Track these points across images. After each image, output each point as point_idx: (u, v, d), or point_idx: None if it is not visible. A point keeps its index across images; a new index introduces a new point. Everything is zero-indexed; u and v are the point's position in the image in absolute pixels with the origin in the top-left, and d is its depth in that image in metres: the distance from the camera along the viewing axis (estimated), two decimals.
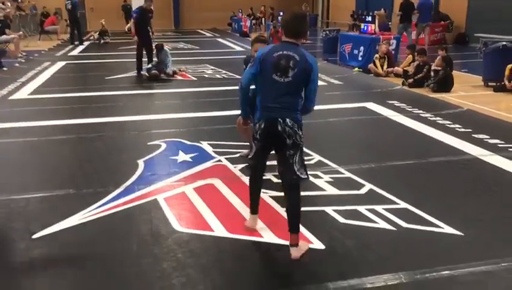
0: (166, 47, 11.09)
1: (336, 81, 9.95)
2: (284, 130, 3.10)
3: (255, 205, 3.52)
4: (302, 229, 3.51)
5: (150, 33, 11.03)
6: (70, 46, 17.17)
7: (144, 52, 10.90)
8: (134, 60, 11.00)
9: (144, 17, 10.77)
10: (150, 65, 10.50)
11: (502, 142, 5.61)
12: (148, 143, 5.65)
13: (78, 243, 3.42)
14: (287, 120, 3.10)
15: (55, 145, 5.66)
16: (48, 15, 21.48)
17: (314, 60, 3.22)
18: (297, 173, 3.13)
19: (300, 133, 3.15)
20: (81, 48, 16.98)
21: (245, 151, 4.59)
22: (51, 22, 20.59)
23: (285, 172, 3.17)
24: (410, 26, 13.85)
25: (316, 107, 7.61)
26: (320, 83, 9.87)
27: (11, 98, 8.39)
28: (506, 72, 8.63)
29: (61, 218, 3.71)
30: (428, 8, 14.54)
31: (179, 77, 10.66)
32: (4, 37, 13.96)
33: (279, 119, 3.11)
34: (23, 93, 8.75)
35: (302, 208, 3.77)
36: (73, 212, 3.80)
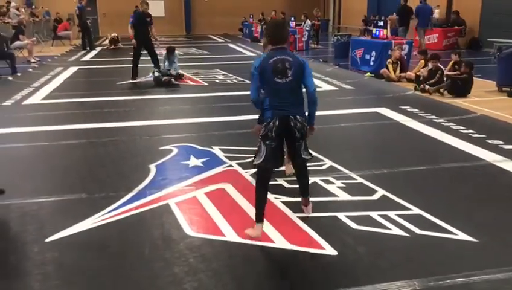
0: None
1: (348, 86, 9.92)
2: (296, 126, 3.51)
3: (261, 211, 3.50)
4: (314, 234, 3.51)
5: (152, 38, 10.85)
6: (83, 52, 17.34)
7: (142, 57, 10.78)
8: (146, 65, 11.04)
9: (141, 21, 10.56)
10: (156, 73, 10.37)
11: None
12: (160, 148, 5.67)
13: (90, 247, 3.43)
14: (298, 117, 3.52)
15: (68, 149, 5.70)
16: (60, 21, 21.73)
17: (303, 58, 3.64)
18: (303, 156, 3.65)
19: (305, 124, 3.61)
20: (93, 53, 17.14)
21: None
22: (64, 27, 20.84)
23: (295, 155, 3.70)
24: (408, 30, 13.90)
25: (328, 112, 7.65)
26: (331, 88, 9.95)
27: (24, 102, 8.48)
28: None
29: (73, 222, 3.73)
30: (428, 13, 14.50)
31: (190, 82, 10.70)
32: (18, 42, 14.15)
33: (291, 116, 3.50)
34: (37, 98, 8.84)
35: (314, 214, 3.83)
36: (85, 217, 3.82)
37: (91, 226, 3.70)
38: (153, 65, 10.66)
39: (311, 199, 3.89)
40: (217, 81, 10.90)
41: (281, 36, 3.58)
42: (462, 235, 3.47)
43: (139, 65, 10.81)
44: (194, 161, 5.19)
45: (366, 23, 19.21)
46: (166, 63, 10.74)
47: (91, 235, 3.57)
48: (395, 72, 10.56)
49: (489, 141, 5.81)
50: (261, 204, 3.51)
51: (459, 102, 8.18)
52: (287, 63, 3.47)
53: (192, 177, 4.72)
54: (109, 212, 3.93)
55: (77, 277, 3.06)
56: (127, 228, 3.70)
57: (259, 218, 3.49)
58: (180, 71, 10.93)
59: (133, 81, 10.62)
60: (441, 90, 8.79)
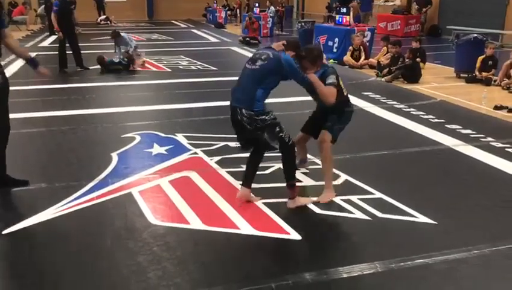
0: (123, 34, 10.43)
1: None
2: (242, 119, 3.56)
3: (246, 177, 3.79)
4: (278, 219, 3.53)
5: (75, 29, 10.04)
6: (41, 37, 16.73)
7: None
8: (107, 51, 10.75)
9: (66, 10, 9.65)
10: (78, 68, 9.83)
11: (474, 132, 5.72)
12: (122, 136, 5.56)
13: (50, 238, 3.34)
14: (243, 110, 3.54)
15: (26, 138, 5.51)
16: (16, 4, 20.88)
17: (288, 57, 3.68)
18: (271, 145, 3.68)
19: (263, 117, 3.57)
20: (52, 38, 16.57)
21: None
22: (19, 12, 20.03)
23: (259, 147, 3.79)
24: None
25: (291, 99, 7.67)
26: None
27: None
28: (477, 64, 8.81)
29: (33, 213, 3.62)
30: None
31: (153, 68, 10.51)
32: None
33: (237, 109, 3.56)
34: None
35: (279, 199, 3.84)
36: (45, 207, 3.71)
37: (51, 216, 3.60)
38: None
39: (275, 184, 3.90)
40: (181, 67, 10.75)
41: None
42: (422, 218, 3.57)
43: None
44: (157, 149, 5.12)
45: (329, 10, 19.33)
46: (117, 50, 10.26)
47: (51, 226, 3.48)
48: (358, 59, 10.69)
49: (448, 126, 5.98)
50: (247, 168, 3.87)
51: (419, 88, 8.37)
52: (264, 56, 3.59)
53: (156, 165, 4.65)
54: (70, 202, 3.83)
55: (36, 269, 2.97)
56: (89, 218, 3.62)
57: (244, 182, 3.84)
58: (140, 56, 10.63)
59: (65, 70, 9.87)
60: (397, 77, 8.97)
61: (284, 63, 3.57)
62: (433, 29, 17.07)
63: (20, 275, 2.92)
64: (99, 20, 22.70)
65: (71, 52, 10.01)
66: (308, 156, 4.88)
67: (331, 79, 3.83)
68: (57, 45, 10.02)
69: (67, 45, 9.87)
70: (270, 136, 3.63)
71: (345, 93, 4.12)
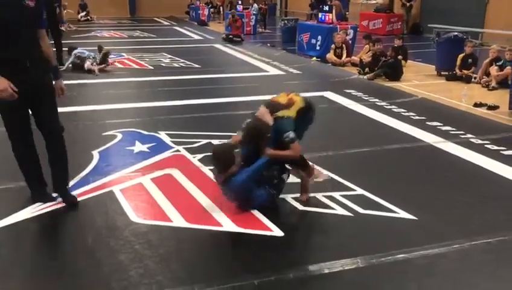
0: (78, 50, 9.87)
1: (295, 71, 10.00)
2: None
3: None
4: (261, 216, 3.53)
5: (60, 25, 9.90)
6: None
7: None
8: (92, 48, 10.59)
9: (48, 7, 9.23)
10: (63, 66, 9.45)
11: (454, 129, 5.80)
12: (103, 133, 5.50)
13: (29, 238, 3.29)
14: None
15: (5, 136, 5.40)
16: None
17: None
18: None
19: None
20: None
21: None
22: None
23: None
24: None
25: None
26: (278, 72, 10.01)
27: None
28: (458, 62, 8.93)
29: (12, 211, 3.56)
30: None
31: (135, 66, 10.42)
32: None
33: None
34: None
35: None
36: (24, 206, 3.65)
37: (31, 215, 3.54)
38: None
39: None
40: (163, 64, 10.67)
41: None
42: (403, 214, 3.61)
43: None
44: (139, 147, 5.08)
45: (312, 8, 19.39)
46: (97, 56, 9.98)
47: (31, 225, 3.42)
48: (340, 56, 10.74)
49: (429, 123, 6.05)
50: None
51: (400, 86, 8.46)
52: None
53: (138, 163, 4.62)
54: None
55: (15, 270, 2.93)
56: (69, 217, 3.57)
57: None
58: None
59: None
60: (380, 75, 9.05)
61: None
62: (415, 27, 17.25)
63: (0, 275, 2.88)
64: (79, 17, 22.40)
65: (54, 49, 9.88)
66: None
67: (291, 135, 3.56)
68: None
69: (51, 42, 9.71)
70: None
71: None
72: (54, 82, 3.62)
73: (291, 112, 3.68)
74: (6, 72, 3.16)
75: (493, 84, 8.16)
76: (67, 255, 3.08)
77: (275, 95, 3.97)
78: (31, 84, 3.35)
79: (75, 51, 9.74)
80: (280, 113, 3.64)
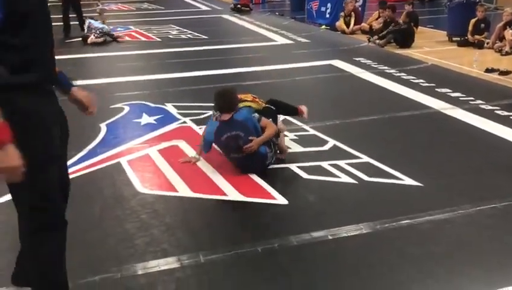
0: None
1: (303, 40, 9.86)
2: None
3: None
4: (265, 185, 3.55)
5: None
6: None
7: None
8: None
9: None
10: (85, 30, 9.81)
11: (464, 95, 5.71)
12: (111, 106, 5.52)
13: None
14: None
15: None
16: None
17: (246, 116, 3.77)
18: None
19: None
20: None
21: None
22: None
23: None
24: None
25: (283, 66, 7.63)
26: (287, 41, 9.90)
27: None
28: (470, 27, 8.72)
29: None
30: None
31: (142, 38, 10.36)
32: None
33: None
34: None
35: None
36: None
37: None
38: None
39: None
40: (171, 36, 10.59)
41: (220, 106, 3.76)
42: (408, 181, 3.60)
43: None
44: (146, 119, 5.10)
45: None
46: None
47: None
48: (349, 24, 10.55)
49: (438, 90, 5.96)
50: None
51: (411, 52, 8.31)
52: (239, 140, 3.65)
53: (145, 134, 4.64)
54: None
55: None
56: (77, 188, 3.59)
57: None
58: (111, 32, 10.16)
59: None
60: (390, 42, 8.89)
61: (249, 122, 3.76)
62: None
63: (7, 248, 2.94)
64: None
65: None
66: (297, 122, 4.88)
67: (256, 116, 3.83)
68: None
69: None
70: None
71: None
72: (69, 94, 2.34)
73: (249, 104, 4.02)
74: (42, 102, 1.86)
75: (507, 48, 7.96)
76: (75, 225, 3.12)
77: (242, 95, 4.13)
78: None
79: (88, 22, 9.79)
80: (240, 105, 3.92)
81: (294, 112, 4.41)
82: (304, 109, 4.37)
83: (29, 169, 1.69)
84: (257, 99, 4.16)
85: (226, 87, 4.16)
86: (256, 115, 3.83)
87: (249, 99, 4.11)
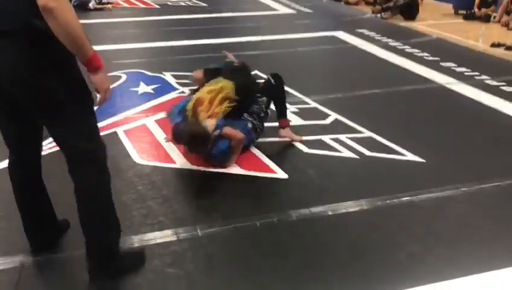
0: None
1: (306, 9, 9.65)
2: None
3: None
4: (265, 159, 3.48)
5: None
6: None
7: None
8: None
9: None
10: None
11: (469, 70, 5.59)
12: (108, 74, 5.38)
13: None
14: None
15: None
16: None
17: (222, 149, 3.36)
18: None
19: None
20: None
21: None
22: None
23: None
24: None
25: (284, 36, 7.48)
26: (289, 11, 9.68)
27: None
28: (476, 0, 8.51)
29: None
30: None
31: (141, 5, 10.12)
32: None
33: None
34: None
35: (267, 139, 3.78)
36: None
37: None
38: None
39: (265, 124, 3.83)
40: (169, 3, 10.36)
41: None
42: (410, 156, 3.53)
43: None
44: (143, 88, 4.99)
45: None
46: None
47: None
48: None
49: (443, 64, 5.84)
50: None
51: (416, 25, 8.13)
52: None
53: (142, 104, 4.54)
54: (52, 142, 3.74)
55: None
56: None
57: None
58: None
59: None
60: (395, 14, 8.69)
61: None
62: None
63: (6, 214, 2.89)
64: None
65: None
66: (298, 94, 4.78)
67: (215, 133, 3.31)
68: None
69: None
70: None
71: None
72: None
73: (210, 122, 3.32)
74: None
75: None
76: (68, 196, 3.06)
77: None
78: None
79: None
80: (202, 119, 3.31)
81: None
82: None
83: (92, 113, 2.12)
84: (214, 103, 3.40)
85: (197, 132, 3.24)
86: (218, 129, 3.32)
87: (204, 115, 3.34)
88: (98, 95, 2.10)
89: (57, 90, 1.97)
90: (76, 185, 2.17)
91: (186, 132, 3.21)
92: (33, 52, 1.90)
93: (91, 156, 2.13)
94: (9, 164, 2.33)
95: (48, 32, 1.85)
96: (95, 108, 2.17)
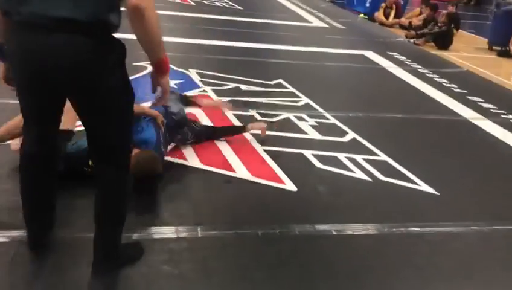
0: None
1: (339, 25, 9.61)
2: None
3: None
4: (276, 168, 3.44)
5: None
6: None
7: None
8: None
9: None
10: None
11: (496, 107, 5.48)
12: (134, 63, 5.41)
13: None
14: None
15: None
16: None
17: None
18: None
19: None
20: None
21: None
22: None
23: None
24: None
25: (313, 49, 7.45)
26: (322, 24, 9.66)
27: None
28: None
29: None
30: None
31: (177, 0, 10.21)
32: None
33: None
34: None
35: (280, 149, 3.74)
36: None
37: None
38: None
39: (280, 133, 3.80)
40: (205, 2, 10.43)
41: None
42: (424, 187, 3.45)
43: None
44: None
45: None
46: None
47: None
48: (388, 17, 10.25)
49: (470, 98, 5.73)
50: None
51: (448, 55, 8.03)
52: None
53: None
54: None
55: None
56: None
57: None
58: None
59: None
60: (428, 41, 8.60)
61: None
62: None
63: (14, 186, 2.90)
64: None
65: None
66: (319, 108, 4.74)
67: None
68: None
69: None
70: None
71: None
72: None
73: None
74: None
75: None
76: (76, 186, 3.07)
77: None
78: None
79: None
80: None
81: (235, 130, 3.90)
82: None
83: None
84: None
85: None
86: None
87: None
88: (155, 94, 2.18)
89: (116, 84, 1.99)
90: (100, 179, 2.13)
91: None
92: (100, 44, 1.88)
93: (122, 152, 2.13)
94: (26, 144, 2.16)
95: (115, 29, 1.91)
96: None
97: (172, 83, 4.96)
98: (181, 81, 5.07)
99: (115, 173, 2.10)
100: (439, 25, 8.76)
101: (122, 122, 2.08)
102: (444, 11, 9.39)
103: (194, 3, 10.04)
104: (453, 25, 9.11)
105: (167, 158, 3.37)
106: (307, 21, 9.76)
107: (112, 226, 2.18)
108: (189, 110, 4.17)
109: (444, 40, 8.48)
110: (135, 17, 1.82)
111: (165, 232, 2.59)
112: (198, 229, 2.65)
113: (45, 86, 1.93)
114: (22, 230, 2.36)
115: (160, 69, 2.06)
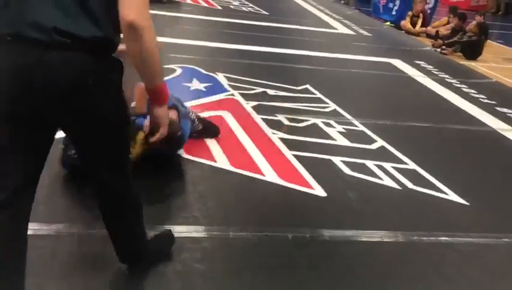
0: None
1: (365, 33, 9.59)
2: None
3: None
4: (305, 173, 3.46)
5: None
6: None
7: None
8: None
9: None
10: None
11: None
12: (164, 66, 5.51)
13: None
14: None
15: None
16: None
17: None
18: None
19: None
20: None
21: None
22: None
23: None
24: None
25: (340, 56, 7.44)
26: (348, 31, 9.66)
27: None
28: None
29: None
30: None
31: (203, 3, 10.32)
32: None
33: None
34: None
35: (309, 154, 3.76)
36: None
37: None
38: None
39: (308, 139, 3.81)
40: (232, 7, 10.52)
41: None
42: (453, 196, 3.43)
43: None
44: (196, 84, 5.07)
45: None
46: None
47: None
48: (415, 25, 10.19)
49: (499, 109, 5.67)
50: None
51: (475, 65, 7.94)
52: None
53: (192, 100, 4.61)
54: None
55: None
56: None
57: None
58: None
59: None
60: (456, 51, 8.53)
61: None
62: (505, 6, 16.01)
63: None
64: None
65: None
66: (347, 115, 4.74)
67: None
68: None
69: None
70: None
71: None
72: None
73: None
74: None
75: None
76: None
77: None
78: None
79: None
80: None
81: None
82: None
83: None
84: None
85: None
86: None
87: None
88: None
89: (116, 107, 1.74)
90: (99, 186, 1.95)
91: None
92: (101, 64, 1.63)
93: (122, 170, 1.92)
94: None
95: (115, 49, 1.70)
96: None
97: (202, 86, 5.03)
98: (210, 84, 5.13)
99: (113, 178, 1.90)
100: (468, 34, 8.67)
101: (120, 144, 1.86)
102: (473, 21, 9.27)
103: (220, 8, 10.14)
104: (482, 35, 9.02)
105: (193, 158, 3.42)
106: (332, 27, 9.77)
107: (127, 221, 2.05)
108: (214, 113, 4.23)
109: (473, 50, 8.39)
110: (129, 37, 1.58)
111: (199, 231, 2.64)
112: (230, 230, 2.69)
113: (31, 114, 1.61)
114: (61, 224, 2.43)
115: (155, 98, 1.78)
